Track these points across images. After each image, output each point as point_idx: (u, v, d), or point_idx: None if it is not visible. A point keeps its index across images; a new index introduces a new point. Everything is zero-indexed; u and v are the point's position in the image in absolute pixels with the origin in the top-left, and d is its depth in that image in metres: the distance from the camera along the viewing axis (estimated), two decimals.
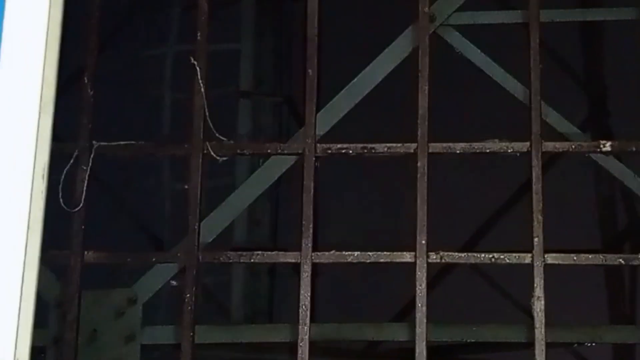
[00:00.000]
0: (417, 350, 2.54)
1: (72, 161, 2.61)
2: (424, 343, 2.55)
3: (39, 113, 1.87)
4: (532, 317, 2.64)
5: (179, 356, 2.74)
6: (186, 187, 2.67)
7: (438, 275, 5.01)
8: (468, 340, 3.74)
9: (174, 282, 3.89)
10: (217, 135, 2.68)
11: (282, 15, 5.49)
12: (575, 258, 2.64)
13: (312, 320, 2.71)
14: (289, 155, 2.77)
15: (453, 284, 5.18)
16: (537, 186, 2.61)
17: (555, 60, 5.33)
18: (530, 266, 2.64)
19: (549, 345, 2.73)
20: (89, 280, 3.14)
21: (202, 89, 2.61)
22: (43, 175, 1.90)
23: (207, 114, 2.66)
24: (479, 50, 4.16)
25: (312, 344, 2.68)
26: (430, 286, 2.67)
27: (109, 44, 5.00)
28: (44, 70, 1.86)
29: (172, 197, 5.29)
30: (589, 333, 3.76)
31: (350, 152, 2.68)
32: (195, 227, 2.57)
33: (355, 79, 4.04)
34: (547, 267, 2.79)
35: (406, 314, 4.89)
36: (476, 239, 5.43)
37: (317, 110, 2.85)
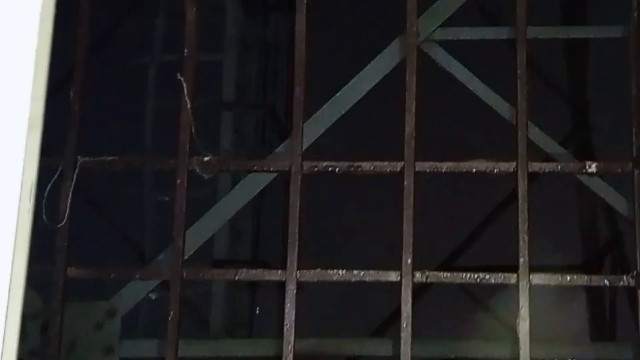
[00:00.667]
0: None
1: (56, 176, 2.59)
2: None
3: (27, 130, 1.85)
4: (514, 331, 2.64)
5: None
6: (167, 199, 2.66)
7: (421, 288, 5.02)
8: (452, 356, 3.75)
9: (152, 296, 3.87)
10: (202, 152, 2.67)
11: (266, 25, 5.48)
12: (560, 279, 2.64)
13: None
14: (275, 172, 2.75)
15: (435, 297, 5.18)
16: (522, 206, 2.61)
17: (538, 74, 5.35)
18: (516, 286, 2.63)
19: None
20: (69, 291, 3.12)
21: (189, 105, 2.60)
22: (30, 194, 1.88)
23: (193, 130, 2.64)
24: (463, 67, 4.18)
25: (294, 358, 2.67)
26: (413, 300, 2.66)
27: (93, 52, 4.98)
28: (32, 86, 1.85)
29: (155, 208, 5.27)
30: (570, 350, 3.78)
31: (337, 169, 2.67)
32: (180, 243, 2.55)
33: (340, 92, 4.05)
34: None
35: (387, 326, 4.90)
36: (461, 252, 5.44)
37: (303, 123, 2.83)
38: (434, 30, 4.15)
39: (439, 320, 4.91)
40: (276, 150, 4.02)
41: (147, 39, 5.38)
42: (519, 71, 2.64)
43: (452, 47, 4.18)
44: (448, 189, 4.91)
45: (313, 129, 3.90)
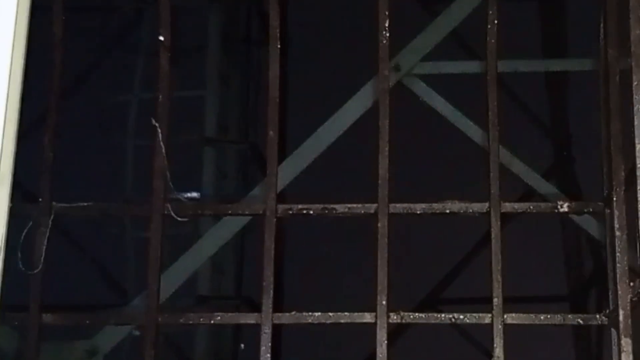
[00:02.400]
0: None
1: (30, 225, 2.60)
2: None
3: None
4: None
5: None
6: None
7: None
8: None
9: (136, 332, 3.87)
10: (178, 196, 2.68)
11: (248, 61, 5.50)
12: (534, 317, 2.66)
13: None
14: (250, 216, 2.77)
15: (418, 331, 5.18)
16: (496, 246, 2.63)
17: (521, 107, 5.39)
18: (490, 326, 2.65)
19: None
20: (48, 331, 3.11)
21: (163, 150, 2.62)
22: (0, 248, 1.89)
23: (168, 175, 2.66)
24: (443, 100, 4.21)
25: None
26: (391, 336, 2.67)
27: (72, 91, 5.00)
28: (2, 144, 1.87)
29: (136, 244, 5.27)
30: None
31: (311, 212, 2.69)
32: (155, 288, 2.56)
33: (317, 131, 4.08)
34: (517, 308, 2.81)
35: None
36: (440, 288, 5.45)
37: (279, 163, 2.85)
38: (414, 66, 4.19)
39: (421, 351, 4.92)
40: (251, 192, 4.05)
41: (128, 77, 5.39)
42: (490, 114, 2.67)
43: (434, 81, 4.21)
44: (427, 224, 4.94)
45: (291, 168, 3.92)
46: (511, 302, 2.83)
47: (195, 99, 5.30)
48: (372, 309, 2.66)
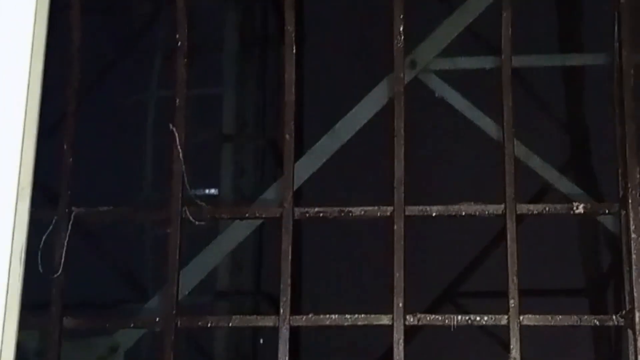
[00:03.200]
0: None
1: (50, 229, 2.63)
2: None
3: (17, 199, 1.90)
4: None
5: None
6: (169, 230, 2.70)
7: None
8: None
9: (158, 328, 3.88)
10: (196, 193, 2.71)
11: (265, 57, 5.52)
12: (550, 318, 2.67)
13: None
14: (267, 219, 2.79)
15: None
16: (512, 248, 2.64)
17: (537, 101, 5.39)
18: (507, 327, 2.66)
19: None
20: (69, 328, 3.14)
21: (181, 155, 2.64)
22: (20, 259, 1.92)
23: (186, 179, 2.68)
24: (459, 95, 4.22)
25: None
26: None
27: (89, 90, 5.03)
28: (21, 157, 1.89)
29: (154, 241, 5.31)
30: None
31: (328, 215, 2.71)
32: (174, 291, 2.59)
33: (334, 128, 4.10)
34: (533, 302, 2.82)
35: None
36: (456, 282, 5.47)
37: (295, 160, 2.87)
38: (430, 61, 4.20)
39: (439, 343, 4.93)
40: (265, 192, 4.07)
41: (145, 76, 5.42)
42: (505, 116, 2.68)
43: (450, 77, 4.22)
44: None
45: (307, 165, 3.95)
46: (526, 296, 2.85)
47: (213, 97, 5.32)
48: (387, 310, 2.68)
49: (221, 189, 5.31)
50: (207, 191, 5.26)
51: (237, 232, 4.21)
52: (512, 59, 2.87)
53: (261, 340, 5.23)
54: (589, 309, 5.28)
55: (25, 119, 1.90)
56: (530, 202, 4.82)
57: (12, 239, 1.89)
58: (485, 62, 4.32)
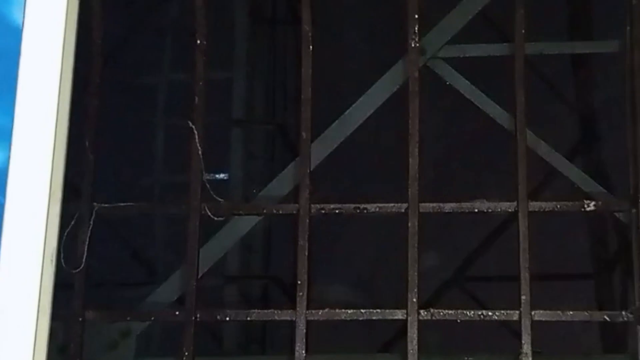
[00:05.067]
0: None
1: (72, 223, 2.69)
2: None
3: (48, 202, 1.95)
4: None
5: None
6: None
7: (430, 299, 5.09)
8: None
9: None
10: (215, 196, 2.76)
11: (274, 41, 5.53)
12: (561, 314, 2.73)
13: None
14: (284, 215, 2.85)
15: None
16: (524, 245, 2.70)
17: (546, 85, 5.42)
18: (518, 322, 2.72)
19: None
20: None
21: (200, 152, 2.70)
22: (52, 260, 1.98)
23: (204, 175, 2.74)
24: (469, 83, 4.24)
25: None
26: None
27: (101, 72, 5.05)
28: (52, 162, 1.95)
29: (165, 223, 5.34)
30: None
31: (344, 211, 2.77)
32: (193, 287, 2.65)
33: (346, 112, 4.12)
34: (542, 286, 2.87)
35: (396, 341, 4.98)
36: (465, 266, 5.52)
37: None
38: (440, 49, 4.22)
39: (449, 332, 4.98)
40: (284, 170, 4.11)
41: (156, 58, 5.43)
42: (517, 116, 2.73)
43: (460, 64, 4.24)
44: None
45: (320, 149, 3.97)
46: (536, 279, 2.90)
47: (223, 81, 5.34)
48: (401, 304, 2.74)
49: (231, 173, 5.34)
50: (216, 176, 5.29)
51: (248, 218, 4.25)
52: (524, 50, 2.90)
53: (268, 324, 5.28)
54: (594, 292, 5.33)
55: (56, 125, 1.95)
56: (538, 187, 4.91)
57: (45, 241, 1.94)
58: (495, 50, 4.33)
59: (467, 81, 4.24)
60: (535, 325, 2.73)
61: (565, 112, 5.53)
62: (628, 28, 3.10)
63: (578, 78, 5.54)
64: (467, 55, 4.29)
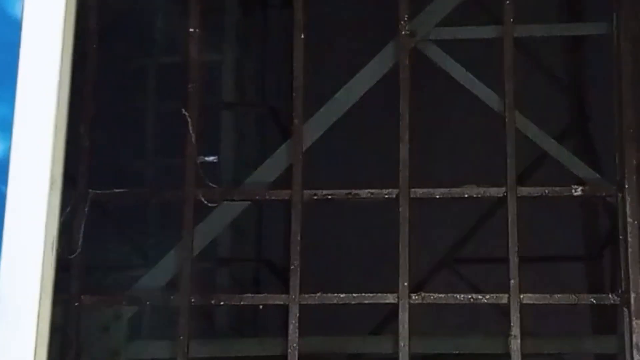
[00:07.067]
0: None
1: (67, 210, 2.72)
2: None
3: (49, 190, 1.99)
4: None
5: None
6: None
7: (421, 282, 5.13)
8: (455, 352, 3.85)
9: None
10: (209, 183, 2.81)
11: (266, 23, 5.53)
12: (549, 297, 2.79)
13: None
14: (276, 201, 2.89)
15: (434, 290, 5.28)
16: (512, 230, 2.75)
17: (536, 66, 5.44)
18: (507, 305, 2.77)
19: (532, 356, 2.90)
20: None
21: (194, 139, 2.73)
22: (52, 247, 2.02)
23: (198, 163, 2.78)
24: (459, 65, 4.26)
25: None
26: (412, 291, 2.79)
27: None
28: (53, 151, 1.99)
29: (159, 207, 5.35)
30: (571, 343, 3.89)
31: (336, 197, 2.81)
32: (188, 272, 2.70)
33: (337, 95, 4.15)
34: (533, 267, 2.91)
35: (388, 323, 5.02)
36: (456, 248, 5.57)
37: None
38: (430, 31, 4.23)
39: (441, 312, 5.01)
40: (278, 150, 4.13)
41: (145, 41, 5.42)
42: (506, 101, 2.77)
43: (450, 47, 4.25)
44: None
45: (310, 132, 3.99)
46: (526, 262, 2.95)
47: (213, 63, 5.33)
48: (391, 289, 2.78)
49: (221, 156, 5.35)
50: (206, 158, 5.30)
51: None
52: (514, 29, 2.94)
53: (260, 306, 5.31)
54: (585, 270, 5.38)
55: (56, 117, 1.99)
56: (528, 168, 4.93)
57: (46, 229, 1.99)
58: (485, 32, 4.34)
59: (457, 63, 4.26)
60: (525, 307, 2.79)
61: (554, 92, 5.56)
62: (614, 14, 3.14)
63: (567, 58, 5.56)
64: (457, 38, 4.31)
